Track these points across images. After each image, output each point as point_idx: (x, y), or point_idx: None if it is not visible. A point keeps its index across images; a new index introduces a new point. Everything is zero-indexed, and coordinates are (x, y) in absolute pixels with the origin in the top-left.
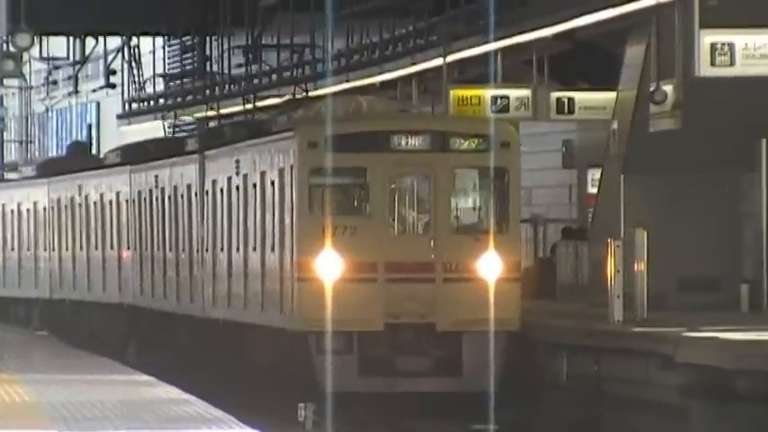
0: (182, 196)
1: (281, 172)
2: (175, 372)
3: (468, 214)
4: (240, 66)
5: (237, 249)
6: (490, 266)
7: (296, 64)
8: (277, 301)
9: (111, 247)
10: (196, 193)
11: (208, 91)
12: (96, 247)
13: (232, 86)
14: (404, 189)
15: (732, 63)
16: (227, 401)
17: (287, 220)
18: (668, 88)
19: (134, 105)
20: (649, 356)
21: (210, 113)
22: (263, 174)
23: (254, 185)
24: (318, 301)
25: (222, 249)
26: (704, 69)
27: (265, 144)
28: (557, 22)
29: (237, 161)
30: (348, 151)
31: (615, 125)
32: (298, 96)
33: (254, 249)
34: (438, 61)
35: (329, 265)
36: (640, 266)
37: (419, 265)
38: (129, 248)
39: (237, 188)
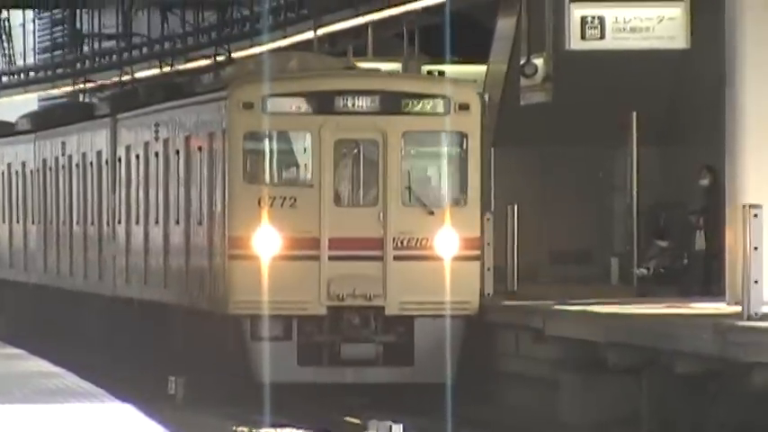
0: (91, 164)
1: (210, 136)
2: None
3: (422, 184)
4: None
5: (156, 222)
6: (446, 243)
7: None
8: (204, 281)
9: (18, 221)
10: (107, 161)
11: (87, 62)
12: (3, 221)
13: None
14: (350, 156)
15: (602, 36)
16: (106, 375)
17: (217, 191)
18: (539, 61)
19: (4, 79)
20: (520, 330)
21: (126, 78)
22: (187, 138)
23: (177, 152)
24: (253, 281)
25: (138, 222)
26: (575, 43)
27: (191, 106)
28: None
29: (156, 125)
30: (288, 113)
31: (486, 98)
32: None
33: (177, 223)
34: (309, 34)
35: (266, 241)
36: (511, 239)
37: (366, 241)
38: (33, 223)
39: (156, 155)
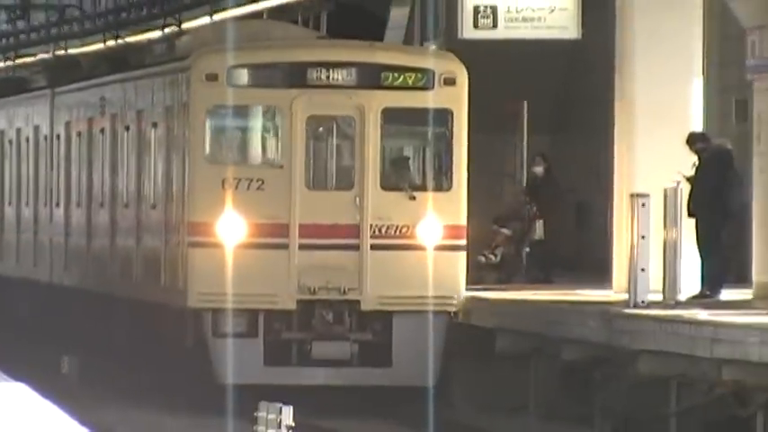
0: (26, 140)
1: (167, 111)
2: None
3: (403, 166)
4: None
5: (101, 205)
6: (428, 231)
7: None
8: (159, 271)
9: None
10: (46, 137)
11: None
12: None
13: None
14: (324, 134)
15: (495, 26)
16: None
17: (176, 171)
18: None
19: None
20: None
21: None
22: (139, 113)
23: (127, 128)
24: (215, 271)
25: (79, 205)
26: (467, 32)
27: (145, 78)
28: None
29: (102, 99)
30: (256, 86)
31: None
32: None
33: (126, 206)
34: (206, 20)
35: (230, 228)
36: None
37: (341, 228)
38: None
39: (102, 131)
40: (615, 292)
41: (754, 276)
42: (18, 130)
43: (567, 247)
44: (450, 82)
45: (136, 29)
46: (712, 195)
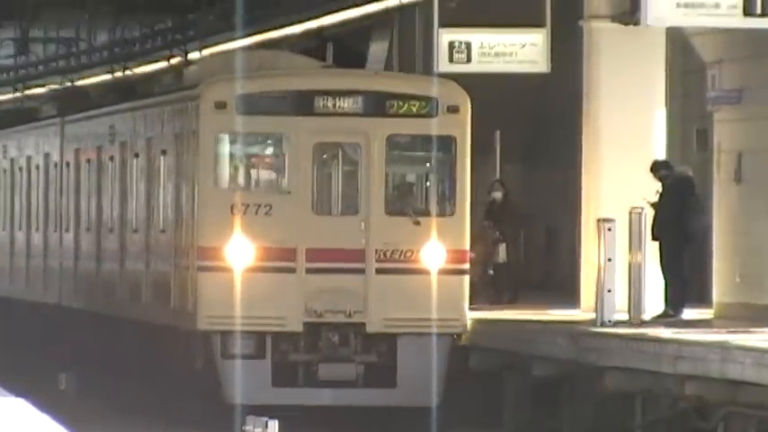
0: (36, 167)
1: (177, 139)
2: None
3: (407, 192)
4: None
5: (111, 230)
6: (432, 255)
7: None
8: (169, 294)
9: None
10: (56, 164)
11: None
12: None
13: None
14: (330, 160)
15: (469, 60)
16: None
17: (184, 197)
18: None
19: None
20: None
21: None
22: (149, 141)
23: (136, 155)
24: (224, 294)
25: (88, 230)
26: (443, 66)
27: (156, 106)
28: (304, 19)
29: (111, 127)
30: (263, 114)
31: None
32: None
33: (136, 231)
34: (195, 55)
35: (238, 252)
36: None
37: (347, 252)
38: None
39: (111, 158)
40: (583, 312)
41: (715, 297)
42: (28, 158)
43: (536, 269)
44: (454, 109)
45: (143, 60)
46: (675, 220)
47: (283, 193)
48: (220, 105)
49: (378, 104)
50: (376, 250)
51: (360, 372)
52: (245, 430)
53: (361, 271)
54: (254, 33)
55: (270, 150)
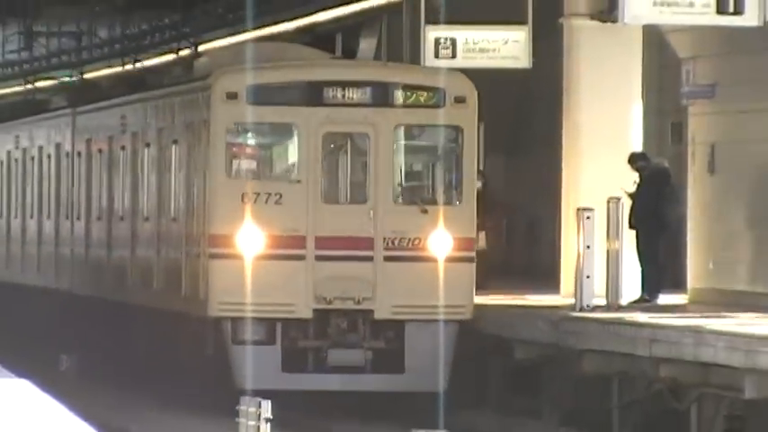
0: (48, 157)
1: (189, 128)
2: None
3: (415, 181)
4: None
5: (122, 218)
6: (439, 243)
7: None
8: (178, 281)
9: None
10: (67, 154)
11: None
12: None
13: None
14: (339, 150)
15: (454, 56)
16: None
17: (195, 186)
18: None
19: None
20: None
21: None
22: (160, 131)
23: (147, 145)
24: (235, 281)
25: (99, 218)
26: (429, 61)
27: (168, 97)
28: (298, 16)
29: (123, 117)
30: (273, 104)
31: None
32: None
33: (147, 219)
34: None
35: (249, 240)
36: None
37: (355, 240)
38: None
39: (123, 148)
40: (563, 297)
41: (689, 283)
42: (40, 148)
43: (518, 257)
44: (461, 100)
45: (153, 52)
46: (651, 210)
47: (293, 182)
48: (231, 96)
49: (386, 95)
50: (384, 238)
51: (368, 357)
52: (239, 409)
53: (370, 258)
54: (249, 30)
55: (280, 140)
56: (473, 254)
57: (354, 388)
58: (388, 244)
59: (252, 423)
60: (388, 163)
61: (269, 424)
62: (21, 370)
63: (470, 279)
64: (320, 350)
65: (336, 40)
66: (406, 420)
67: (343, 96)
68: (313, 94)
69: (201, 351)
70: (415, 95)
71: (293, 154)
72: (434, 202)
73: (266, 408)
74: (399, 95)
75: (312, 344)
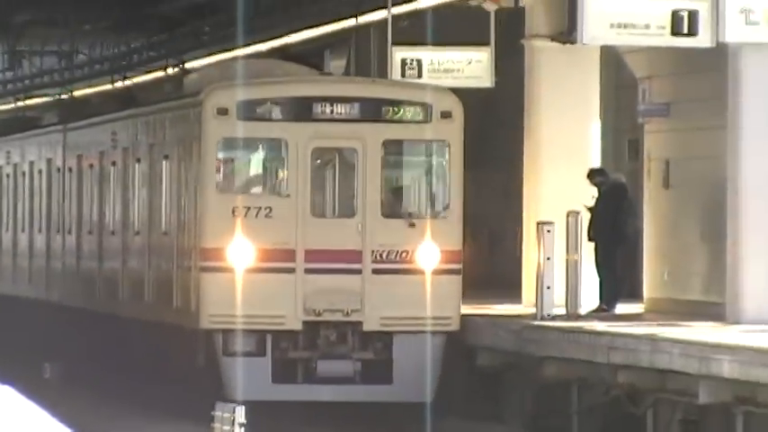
0: (39, 172)
1: (180, 144)
2: None
3: (402, 195)
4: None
5: (113, 232)
6: (427, 256)
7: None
8: (171, 294)
9: None
10: (59, 169)
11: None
12: None
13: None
14: (328, 165)
15: (420, 75)
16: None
17: (186, 200)
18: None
19: None
20: None
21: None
22: (151, 146)
23: (138, 160)
24: (226, 294)
25: (90, 232)
26: None
27: (158, 113)
28: (270, 38)
29: (114, 133)
30: (264, 120)
31: None
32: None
33: (138, 233)
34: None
35: (239, 253)
36: None
37: (344, 253)
38: None
39: (114, 163)
40: (524, 307)
41: (645, 293)
42: (31, 163)
43: (481, 267)
44: (447, 115)
45: (142, 70)
46: (609, 223)
47: (283, 197)
48: (222, 111)
49: (374, 110)
50: (372, 251)
51: (357, 369)
52: (214, 415)
53: (358, 271)
54: (224, 51)
55: (270, 155)
56: (460, 266)
57: (344, 398)
58: (376, 257)
59: (227, 428)
60: (376, 177)
61: (243, 429)
62: (7, 377)
63: (457, 291)
64: (310, 361)
65: (325, 56)
66: (393, 430)
67: (332, 112)
68: (302, 110)
69: (192, 362)
70: (402, 111)
71: (283, 169)
72: (422, 216)
73: (240, 413)
74: (387, 111)
75: (302, 355)
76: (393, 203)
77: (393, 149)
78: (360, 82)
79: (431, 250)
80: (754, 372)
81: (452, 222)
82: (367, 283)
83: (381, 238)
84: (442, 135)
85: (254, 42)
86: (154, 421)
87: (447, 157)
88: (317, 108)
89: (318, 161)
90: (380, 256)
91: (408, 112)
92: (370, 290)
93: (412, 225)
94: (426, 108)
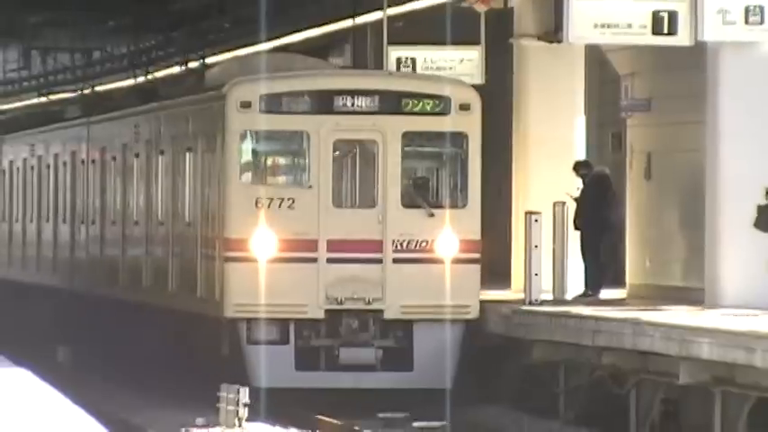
0: (64, 164)
1: (203, 136)
2: None
3: (422, 186)
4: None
5: (136, 223)
6: (446, 245)
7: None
8: (194, 283)
9: None
10: (83, 161)
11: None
12: None
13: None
14: (349, 156)
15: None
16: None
17: (210, 191)
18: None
19: None
20: None
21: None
22: (174, 139)
23: (161, 152)
24: (250, 284)
25: (114, 223)
26: None
27: (182, 106)
28: (273, 37)
29: (136, 126)
30: (286, 112)
31: None
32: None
33: (162, 224)
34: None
35: (263, 243)
36: None
37: (365, 243)
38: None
39: (137, 155)
40: (514, 293)
41: (628, 279)
42: (56, 156)
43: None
44: (466, 107)
45: (162, 65)
46: (594, 212)
47: (305, 188)
48: (245, 105)
49: (394, 103)
50: (393, 241)
51: (378, 356)
52: (219, 395)
53: (379, 261)
54: (229, 50)
55: (292, 147)
56: (479, 255)
57: (365, 385)
58: (396, 246)
59: (231, 408)
60: (395, 168)
61: (246, 409)
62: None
63: (476, 280)
64: (332, 349)
65: (346, 51)
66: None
67: (353, 104)
68: (323, 103)
69: (216, 351)
70: (421, 103)
71: (305, 160)
72: (441, 206)
73: (244, 394)
74: (407, 103)
75: (324, 343)
76: (413, 194)
77: (413, 141)
78: (380, 75)
79: (450, 240)
80: (731, 354)
81: (471, 212)
82: (387, 273)
83: (401, 228)
84: (460, 127)
85: (255, 43)
86: (168, 408)
87: (465, 148)
88: (339, 101)
89: (339, 153)
90: (401, 245)
91: (428, 105)
92: (391, 279)
93: (431, 215)
94: (445, 100)
